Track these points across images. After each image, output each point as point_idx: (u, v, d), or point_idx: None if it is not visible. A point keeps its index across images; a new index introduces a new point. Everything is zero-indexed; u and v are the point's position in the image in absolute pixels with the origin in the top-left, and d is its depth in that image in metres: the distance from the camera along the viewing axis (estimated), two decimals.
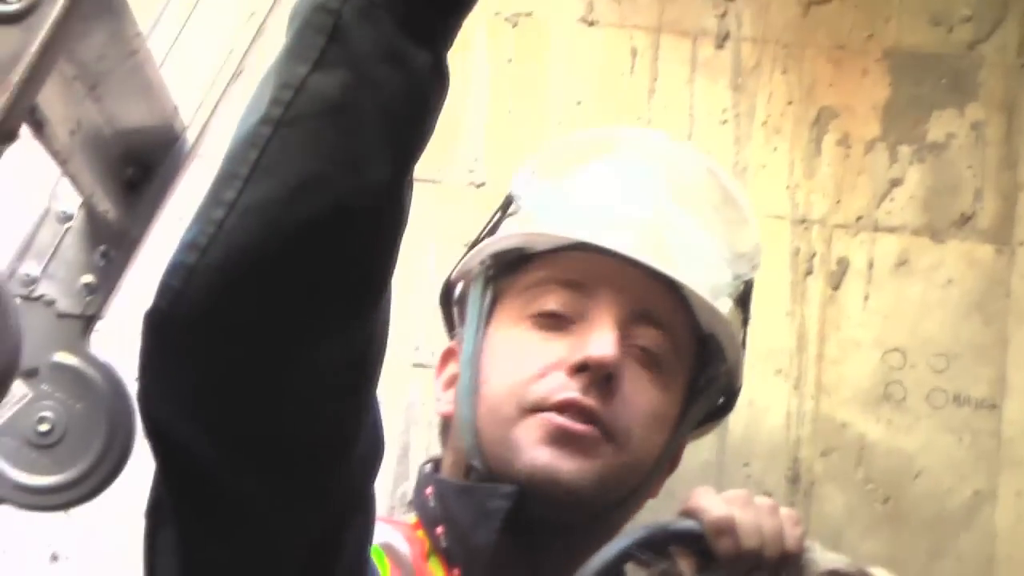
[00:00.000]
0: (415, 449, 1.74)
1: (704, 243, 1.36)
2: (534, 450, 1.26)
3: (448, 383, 1.38)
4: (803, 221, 1.87)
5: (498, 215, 1.41)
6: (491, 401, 1.29)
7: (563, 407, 1.26)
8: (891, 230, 1.88)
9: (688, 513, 1.20)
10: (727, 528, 1.18)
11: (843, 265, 1.86)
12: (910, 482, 1.82)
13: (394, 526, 1.32)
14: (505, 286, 1.35)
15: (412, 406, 1.76)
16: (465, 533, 1.28)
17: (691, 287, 1.33)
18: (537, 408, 1.27)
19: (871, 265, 1.87)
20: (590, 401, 1.27)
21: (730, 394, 1.46)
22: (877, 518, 1.82)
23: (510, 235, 1.36)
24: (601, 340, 1.27)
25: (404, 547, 1.29)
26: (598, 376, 1.27)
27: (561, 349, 1.29)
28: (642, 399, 1.31)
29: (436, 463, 1.39)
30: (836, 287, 1.86)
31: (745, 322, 1.42)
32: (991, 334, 1.87)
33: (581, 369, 1.27)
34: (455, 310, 1.44)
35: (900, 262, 1.87)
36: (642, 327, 1.32)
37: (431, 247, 1.74)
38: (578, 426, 1.26)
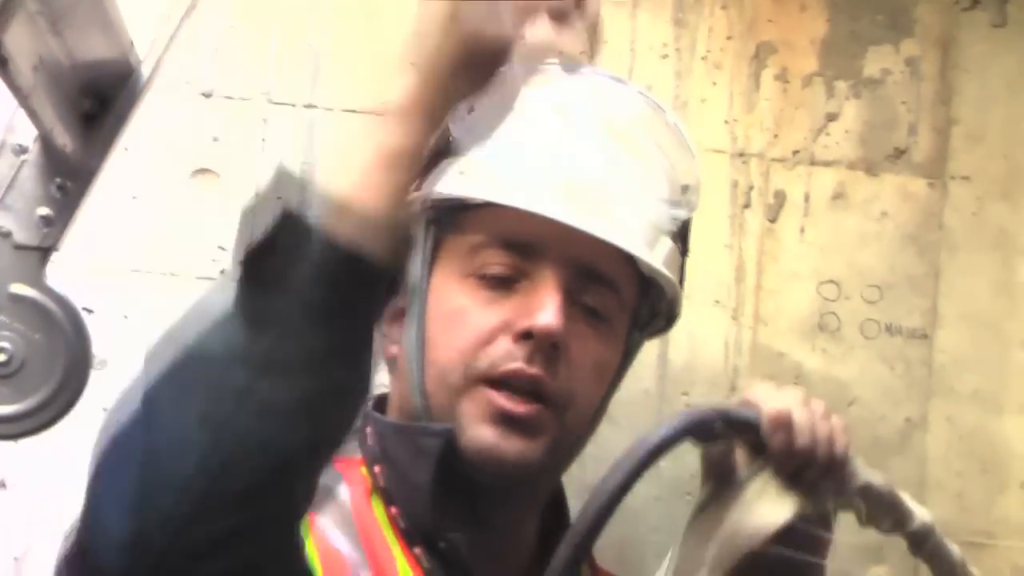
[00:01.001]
0: None
1: (646, 182, 1.37)
2: (478, 428, 1.27)
3: (392, 318, 1.37)
4: (741, 155, 1.89)
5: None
6: (439, 367, 1.30)
7: (509, 377, 1.27)
8: (827, 164, 1.91)
9: (746, 404, 1.23)
10: (784, 423, 1.21)
11: (780, 198, 1.90)
12: (844, 410, 1.86)
13: (342, 466, 1.32)
14: (446, 234, 1.34)
15: None
16: (402, 472, 1.29)
17: (632, 250, 1.33)
18: (484, 378, 1.28)
19: (807, 198, 1.90)
20: (535, 370, 1.28)
21: (669, 319, 1.48)
22: None
23: (449, 185, 1.33)
24: (546, 308, 1.28)
25: (344, 492, 1.29)
26: (543, 344, 1.28)
27: (506, 311, 1.29)
28: (587, 360, 1.32)
29: (379, 399, 1.40)
30: (773, 220, 1.90)
31: (684, 253, 1.45)
32: (923, 266, 1.91)
33: (526, 336, 1.28)
34: None
35: (836, 195, 1.91)
36: (587, 284, 1.33)
37: None
38: (521, 408, 1.27)
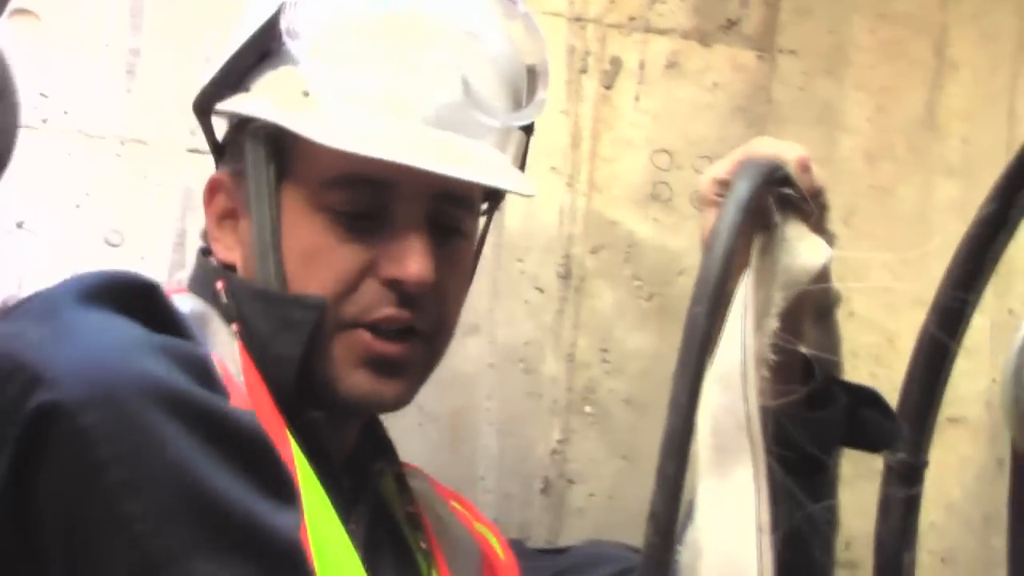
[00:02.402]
0: (191, 237, 1.68)
1: (496, 90, 1.31)
2: (353, 375, 1.25)
3: (220, 218, 1.32)
4: (579, 19, 1.86)
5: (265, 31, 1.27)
6: None
7: (381, 323, 1.25)
8: (662, 32, 1.90)
9: (755, 158, 1.24)
10: (807, 165, 1.24)
11: (616, 65, 1.88)
12: (675, 279, 1.88)
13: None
14: (290, 155, 1.27)
15: (188, 192, 1.69)
16: (264, 342, 1.24)
17: (492, 182, 1.30)
18: (354, 323, 1.25)
19: (642, 66, 1.89)
20: (407, 315, 1.26)
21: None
22: (643, 313, 1.87)
23: (293, 118, 1.24)
24: (415, 257, 1.24)
25: (220, 320, 1.26)
26: (415, 292, 1.25)
27: (370, 252, 1.25)
28: (453, 287, 1.31)
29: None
30: (609, 86, 1.88)
31: (529, 133, 1.40)
32: (752, 137, 1.91)
33: (395, 282, 1.25)
34: (228, 148, 1.35)
35: (670, 64, 1.90)
36: (444, 208, 1.29)
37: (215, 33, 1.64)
38: (393, 348, 1.26)
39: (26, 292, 1.56)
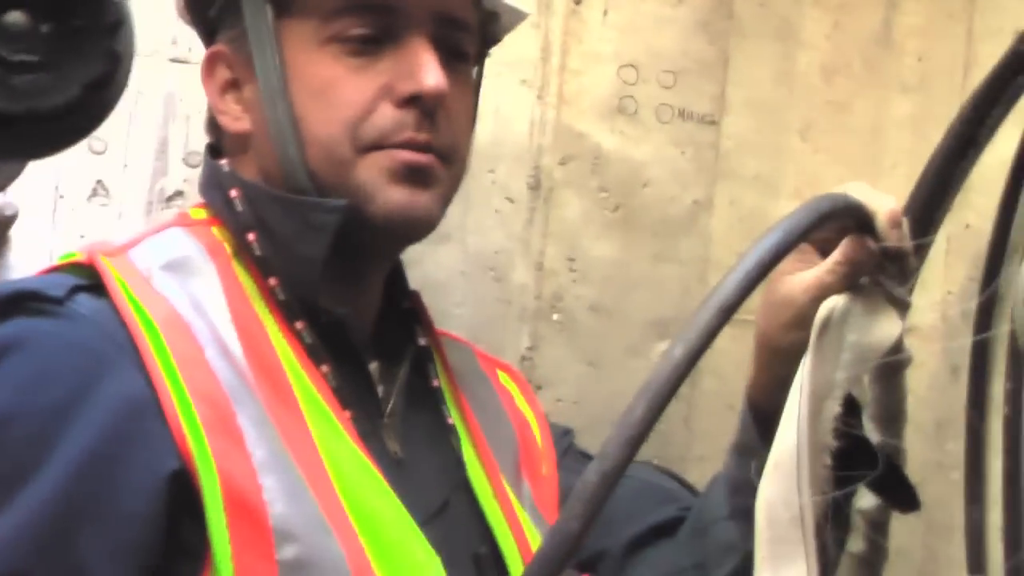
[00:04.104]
0: (173, 144, 1.71)
1: None
2: (387, 191, 1.24)
3: (222, 90, 1.31)
4: None
5: None
6: (322, 143, 1.24)
7: (402, 146, 1.24)
8: None
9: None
10: (898, 221, 1.17)
11: None
12: (639, 190, 1.93)
13: (189, 230, 1.27)
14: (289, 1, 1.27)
15: (171, 99, 1.72)
16: (287, 245, 1.24)
17: None
18: (376, 146, 1.24)
19: None
20: (425, 136, 1.25)
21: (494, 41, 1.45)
22: (609, 223, 1.92)
23: None
24: (428, 69, 1.24)
25: (204, 259, 1.25)
26: (431, 106, 1.25)
27: (382, 76, 1.25)
28: (463, 110, 1.31)
29: (213, 149, 1.34)
30: (579, 1, 1.91)
31: None
32: (714, 52, 1.97)
33: (411, 100, 1.24)
34: (214, 10, 1.33)
35: None
36: (448, 32, 1.29)
37: None
38: (422, 158, 1.25)
39: (11, 200, 1.60)
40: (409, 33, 1.26)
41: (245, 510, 1.09)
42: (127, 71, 1.15)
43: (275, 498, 1.10)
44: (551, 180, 1.90)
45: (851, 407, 1.23)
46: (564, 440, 1.54)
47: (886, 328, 1.14)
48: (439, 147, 1.26)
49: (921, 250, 1.21)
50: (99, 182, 1.70)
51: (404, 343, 1.37)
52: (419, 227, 1.28)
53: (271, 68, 1.26)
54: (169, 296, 1.18)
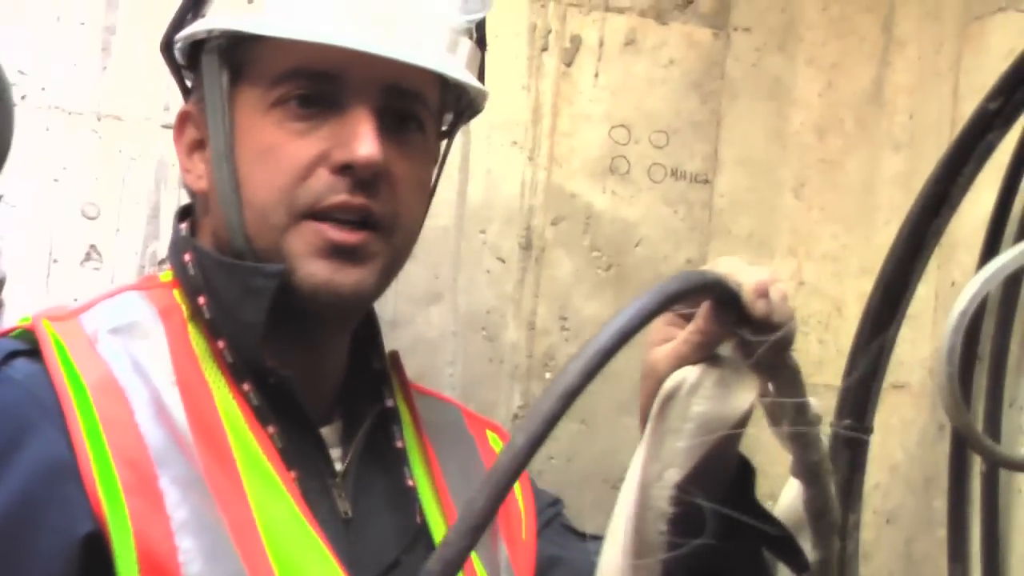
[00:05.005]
0: (165, 209, 1.74)
1: None
2: (311, 264, 1.25)
3: (190, 149, 1.34)
4: None
5: None
6: (258, 207, 1.26)
7: (334, 210, 1.25)
8: (620, 10, 1.96)
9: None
10: (764, 292, 1.15)
11: (576, 42, 1.94)
12: (631, 250, 1.95)
13: (145, 293, 1.30)
14: (242, 61, 1.29)
15: (162, 165, 1.76)
16: (230, 309, 1.26)
17: (437, 68, 1.30)
18: (308, 213, 1.25)
19: (601, 43, 1.95)
20: (360, 200, 1.26)
21: (470, 115, 1.45)
22: (601, 282, 1.94)
23: (238, 20, 1.28)
24: (363, 139, 1.25)
25: (154, 322, 1.26)
26: (365, 175, 1.25)
27: (320, 142, 1.26)
28: (408, 178, 1.30)
29: (191, 224, 1.36)
30: (569, 63, 1.94)
31: (482, 48, 1.41)
32: (706, 112, 1.99)
33: (346, 168, 1.25)
34: (185, 73, 1.39)
35: (628, 41, 1.96)
36: (395, 101, 1.29)
37: None
38: (351, 237, 1.25)
39: (5, 263, 1.63)
40: (352, 102, 1.27)
41: (159, 571, 1.10)
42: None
43: (192, 559, 1.11)
44: (542, 240, 1.92)
45: (745, 471, 1.26)
46: (550, 511, 1.53)
47: (739, 399, 1.14)
48: (379, 215, 1.27)
49: (783, 334, 1.15)
50: (92, 246, 1.73)
51: (371, 404, 1.37)
52: (347, 300, 1.28)
53: (220, 131, 1.28)
54: (110, 359, 1.20)
